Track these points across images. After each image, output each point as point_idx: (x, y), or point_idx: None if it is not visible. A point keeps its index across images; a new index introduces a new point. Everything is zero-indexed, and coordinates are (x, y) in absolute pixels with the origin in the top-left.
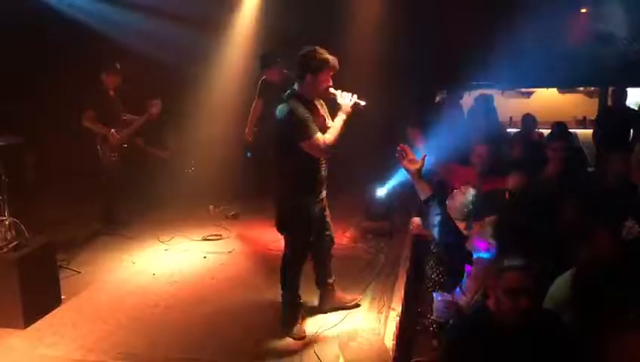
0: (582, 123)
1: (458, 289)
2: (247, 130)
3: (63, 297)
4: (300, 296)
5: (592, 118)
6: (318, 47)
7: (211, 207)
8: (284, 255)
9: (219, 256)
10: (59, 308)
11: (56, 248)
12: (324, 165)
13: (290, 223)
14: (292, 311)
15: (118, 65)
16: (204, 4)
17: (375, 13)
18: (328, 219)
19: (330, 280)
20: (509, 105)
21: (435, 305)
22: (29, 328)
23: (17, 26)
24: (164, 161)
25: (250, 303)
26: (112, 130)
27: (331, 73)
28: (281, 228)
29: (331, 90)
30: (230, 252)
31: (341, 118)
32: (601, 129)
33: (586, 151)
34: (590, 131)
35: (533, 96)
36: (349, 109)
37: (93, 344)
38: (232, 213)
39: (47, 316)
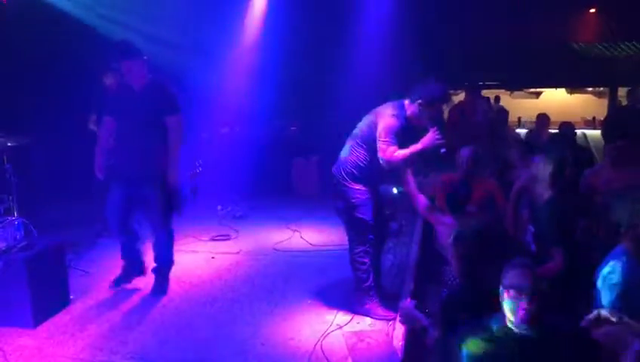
0: (591, 123)
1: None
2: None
3: (71, 297)
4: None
5: (602, 118)
6: (446, 89)
7: (219, 207)
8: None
9: (227, 257)
10: (68, 308)
11: (65, 248)
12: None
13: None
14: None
15: (115, 65)
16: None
17: (383, 14)
18: None
19: None
20: (518, 106)
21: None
22: (38, 328)
23: (24, 26)
24: None
25: (258, 303)
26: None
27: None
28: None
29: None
30: (238, 252)
31: (419, 145)
32: (611, 128)
33: (595, 151)
34: (599, 132)
35: (541, 97)
36: (428, 145)
37: (102, 343)
38: (240, 213)
39: (57, 316)
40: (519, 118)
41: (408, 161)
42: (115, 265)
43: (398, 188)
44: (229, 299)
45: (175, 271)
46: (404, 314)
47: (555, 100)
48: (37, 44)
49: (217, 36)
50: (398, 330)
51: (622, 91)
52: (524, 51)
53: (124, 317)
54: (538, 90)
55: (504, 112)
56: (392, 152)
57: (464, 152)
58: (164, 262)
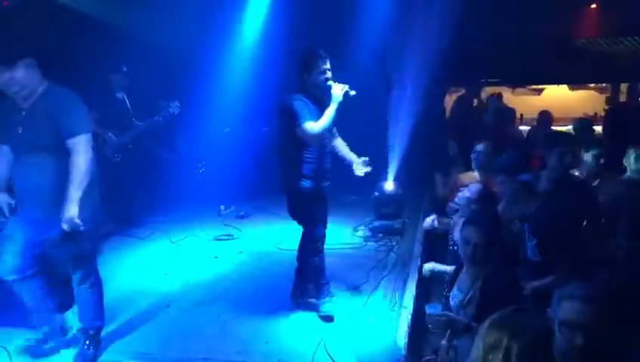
0: (592, 119)
1: (456, 289)
2: None
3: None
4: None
5: (603, 114)
6: (312, 46)
7: (222, 207)
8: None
9: (230, 256)
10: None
11: None
12: (322, 156)
13: (299, 211)
14: (321, 294)
15: (125, 68)
16: (213, 3)
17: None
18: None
19: None
20: (520, 103)
21: (426, 318)
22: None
23: (23, 20)
24: (175, 162)
25: (261, 303)
26: (110, 133)
27: (326, 67)
28: (293, 216)
29: (329, 82)
30: (241, 252)
31: (332, 107)
32: (612, 124)
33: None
34: (600, 127)
35: (543, 93)
36: (339, 99)
37: (107, 343)
38: (243, 213)
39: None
40: (521, 115)
41: (329, 124)
42: (118, 265)
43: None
44: (232, 299)
45: (178, 271)
46: (439, 321)
47: (557, 96)
48: (35, 40)
49: (218, 36)
50: (402, 327)
51: (624, 87)
52: (526, 48)
53: (128, 318)
54: (540, 86)
55: (510, 112)
56: (310, 126)
57: (481, 146)
58: (89, 322)
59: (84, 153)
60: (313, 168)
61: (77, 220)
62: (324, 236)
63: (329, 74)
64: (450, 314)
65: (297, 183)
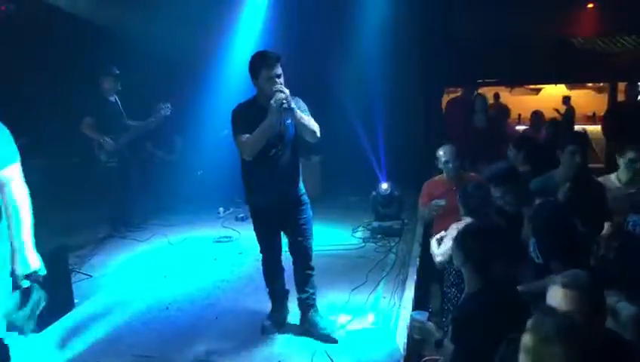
0: (591, 119)
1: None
2: None
3: (76, 301)
4: (280, 297)
5: (601, 114)
6: (261, 51)
7: (221, 209)
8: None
9: (229, 258)
10: (72, 312)
11: (68, 252)
12: (268, 168)
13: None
14: (272, 306)
15: (117, 70)
16: (210, 5)
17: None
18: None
19: (303, 296)
20: (518, 103)
21: (409, 324)
22: (42, 332)
23: (17, 26)
24: (173, 164)
25: (261, 304)
26: (105, 137)
27: (273, 72)
28: None
29: (279, 90)
30: (240, 254)
31: (265, 121)
32: (611, 124)
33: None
34: (599, 127)
35: (541, 93)
36: (274, 111)
37: (107, 346)
38: (242, 215)
39: (61, 320)
40: (519, 115)
41: (263, 138)
42: (117, 267)
43: (386, 184)
44: (231, 300)
45: (177, 273)
46: (416, 327)
47: (555, 96)
48: (29, 45)
49: (216, 38)
50: (401, 327)
51: (622, 86)
52: (523, 48)
53: (128, 320)
54: (538, 86)
55: (505, 110)
56: (241, 141)
57: (445, 150)
58: None
59: (22, 182)
60: (254, 183)
61: (42, 269)
62: (266, 256)
63: (278, 81)
64: (429, 324)
65: (244, 194)
